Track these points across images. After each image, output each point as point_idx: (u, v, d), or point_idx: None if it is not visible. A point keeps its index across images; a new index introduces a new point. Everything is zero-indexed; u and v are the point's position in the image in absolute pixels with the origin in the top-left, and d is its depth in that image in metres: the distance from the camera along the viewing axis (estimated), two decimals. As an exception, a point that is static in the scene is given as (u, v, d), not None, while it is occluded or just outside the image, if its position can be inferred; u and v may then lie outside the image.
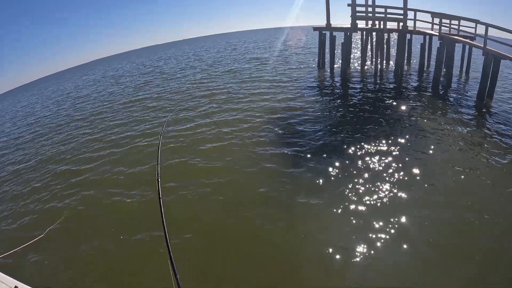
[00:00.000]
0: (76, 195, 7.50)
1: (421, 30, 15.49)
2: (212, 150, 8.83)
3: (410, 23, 14.78)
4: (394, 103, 12.16)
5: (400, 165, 7.06)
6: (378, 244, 4.83)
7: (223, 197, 6.47)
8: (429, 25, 14.65)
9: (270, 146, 8.70)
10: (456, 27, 13.58)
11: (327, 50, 18.58)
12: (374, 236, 4.97)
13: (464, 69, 17.20)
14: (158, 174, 2.66)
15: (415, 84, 15.37)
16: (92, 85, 31.28)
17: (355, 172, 6.90)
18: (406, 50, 17.61)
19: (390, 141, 8.38)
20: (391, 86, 15.08)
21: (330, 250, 4.78)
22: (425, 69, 17.53)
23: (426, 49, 17.12)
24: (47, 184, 8.53)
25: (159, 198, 2.30)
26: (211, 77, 20.66)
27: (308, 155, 7.87)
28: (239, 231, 5.47)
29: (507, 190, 5.92)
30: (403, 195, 5.96)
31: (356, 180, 6.56)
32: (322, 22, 17.37)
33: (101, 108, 17.39)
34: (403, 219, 5.28)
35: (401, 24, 14.93)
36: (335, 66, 18.35)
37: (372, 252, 4.69)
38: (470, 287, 4.09)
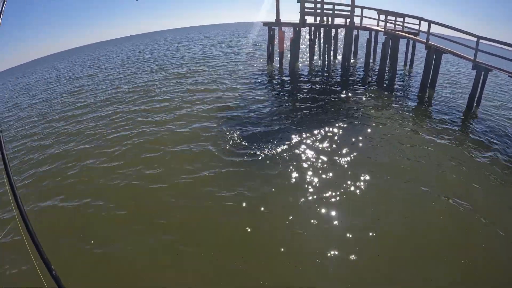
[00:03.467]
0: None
1: (368, 26, 15.92)
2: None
3: (357, 20, 15.05)
4: (342, 95, 12.35)
5: (350, 147, 7.61)
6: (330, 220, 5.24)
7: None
8: (375, 22, 15.10)
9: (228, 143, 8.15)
10: (401, 23, 14.13)
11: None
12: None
13: (408, 62, 18.27)
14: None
15: (361, 77, 15.88)
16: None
17: (313, 159, 7.16)
18: (353, 45, 18.08)
19: (339, 128, 8.78)
20: (339, 79, 15.36)
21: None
22: (371, 62, 18.25)
23: (372, 44, 17.77)
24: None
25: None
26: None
27: (264, 146, 7.78)
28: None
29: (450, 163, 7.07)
30: (357, 172, 6.53)
31: (313, 166, 6.82)
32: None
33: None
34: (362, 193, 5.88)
35: (348, 20, 15.15)
36: (284, 60, 18.14)
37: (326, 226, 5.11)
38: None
